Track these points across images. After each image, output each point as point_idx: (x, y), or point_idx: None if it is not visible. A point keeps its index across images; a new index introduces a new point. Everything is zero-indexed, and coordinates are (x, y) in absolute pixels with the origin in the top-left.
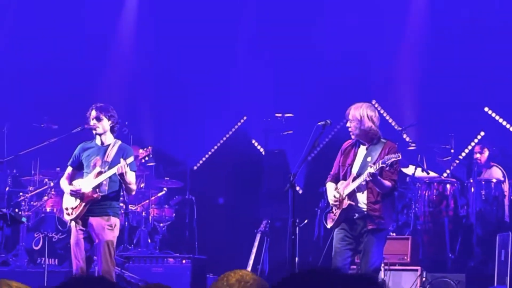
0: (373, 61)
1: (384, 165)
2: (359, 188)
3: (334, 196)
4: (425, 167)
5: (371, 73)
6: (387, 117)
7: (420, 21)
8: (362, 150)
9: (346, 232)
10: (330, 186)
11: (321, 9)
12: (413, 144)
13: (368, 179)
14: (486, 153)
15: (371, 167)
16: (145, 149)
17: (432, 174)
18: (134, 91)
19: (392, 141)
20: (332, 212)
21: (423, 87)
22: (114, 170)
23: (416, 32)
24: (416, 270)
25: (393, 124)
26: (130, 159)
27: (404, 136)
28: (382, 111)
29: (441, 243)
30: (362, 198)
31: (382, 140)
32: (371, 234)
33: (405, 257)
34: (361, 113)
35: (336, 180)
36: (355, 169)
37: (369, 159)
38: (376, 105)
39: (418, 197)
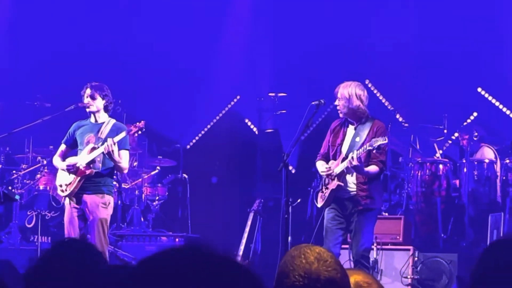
0: (367, 41)
1: (371, 147)
2: (348, 170)
3: (325, 168)
4: (418, 147)
5: (365, 53)
6: (380, 97)
7: (413, 2)
8: (350, 130)
9: (336, 211)
10: (320, 164)
11: None
12: (406, 124)
13: (349, 165)
14: (466, 138)
15: (353, 155)
16: (137, 123)
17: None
18: (127, 71)
19: (380, 120)
20: (322, 192)
21: (416, 67)
22: (102, 149)
23: (409, 13)
24: (409, 249)
25: (386, 104)
26: (119, 136)
27: (397, 116)
28: (375, 91)
29: (433, 223)
30: (351, 179)
31: (371, 119)
32: (361, 214)
33: (398, 237)
34: (349, 92)
35: (325, 159)
36: (344, 149)
37: (357, 139)
38: (370, 85)
39: (410, 177)
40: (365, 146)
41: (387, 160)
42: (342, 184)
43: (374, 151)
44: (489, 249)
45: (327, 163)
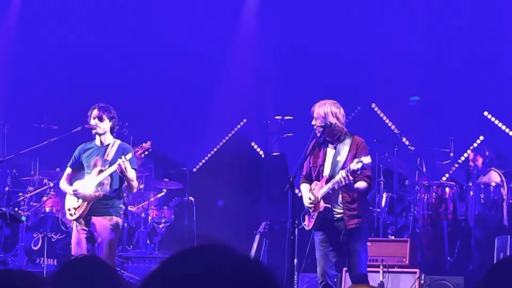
0: (373, 64)
1: (355, 168)
2: (334, 190)
3: (309, 199)
4: (424, 170)
5: (371, 77)
6: (387, 121)
7: (420, 24)
8: (330, 149)
9: (325, 234)
10: (304, 188)
11: (321, 11)
12: (412, 147)
13: (339, 185)
14: (480, 160)
15: (342, 176)
16: (143, 144)
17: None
18: (135, 93)
19: (360, 136)
20: (309, 214)
21: (422, 91)
22: (114, 167)
23: (416, 35)
24: (415, 272)
25: (392, 127)
26: (129, 155)
27: (404, 139)
28: (381, 115)
29: (440, 246)
30: (337, 200)
31: (350, 135)
32: (352, 234)
33: (404, 259)
34: (325, 110)
35: (309, 180)
36: (326, 170)
37: (339, 158)
38: (376, 109)
39: (417, 200)
40: (348, 167)
41: (393, 183)
42: (329, 205)
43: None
44: (493, 270)
45: (310, 184)
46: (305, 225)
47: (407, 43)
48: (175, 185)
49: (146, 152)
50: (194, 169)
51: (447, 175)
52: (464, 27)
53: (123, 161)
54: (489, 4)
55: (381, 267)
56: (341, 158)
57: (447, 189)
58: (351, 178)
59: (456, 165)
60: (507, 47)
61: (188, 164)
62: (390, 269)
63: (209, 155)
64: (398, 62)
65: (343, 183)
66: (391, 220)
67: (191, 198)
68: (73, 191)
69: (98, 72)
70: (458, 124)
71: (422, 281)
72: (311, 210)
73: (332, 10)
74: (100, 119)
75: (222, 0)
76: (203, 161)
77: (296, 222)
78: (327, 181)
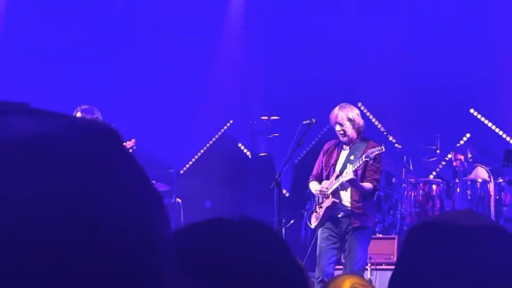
0: (359, 63)
1: (367, 159)
2: (343, 186)
3: (319, 187)
4: (411, 168)
5: (357, 76)
6: (373, 119)
7: (406, 22)
8: (345, 150)
9: (330, 231)
10: (313, 184)
11: (308, 11)
12: (399, 146)
13: (344, 179)
14: (462, 157)
15: (347, 170)
16: (127, 142)
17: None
18: (119, 94)
19: (374, 141)
20: (316, 211)
21: (408, 88)
22: None
23: (401, 32)
24: None
25: (379, 126)
26: None
27: (390, 138)
28: (368, 114)
29: None
30: (346, 196)
31: (366, 139)
32: (355, 232)
33: (392, 257)
34: (353, 114)
35: (318, 180)
36: (338, 168)
37: (352, 157)
38: (362, 108)
39: (404, 198)
40: (362, 157)
41: (381, 181)
42: (337, 200)
43: (369, 169)
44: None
45: (320, 184)
46: (311, 223)
47: (392, 40)
48: (161, 186)
49: (130, 150)
50: (181, 171)
51: (434, 173)
52: (451, 24)
53: None
54: (476, 1)
55: (369, 264)
56: (354, 158)
57: (434, 186)
58: (352, 176)
59: (443, 163)
60: (494, 44)
61: (175, 165)
62: (378, 267)
63: (196, 156)
64: (384, 60)
65: (348, 178)
66: (379, 218)
67: (178, 199)
68: None
69: (82, 73)
70: (444, 122)
71: None
72: (318, 208)
73: (316, 9)
74: None
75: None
76: (190, 163)
77: (283, 221)
78: (337, 177)
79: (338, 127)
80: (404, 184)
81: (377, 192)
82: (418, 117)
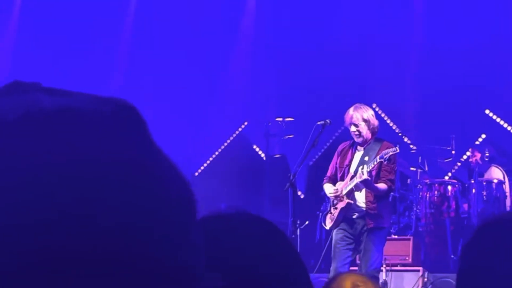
0: (374, 64)
1: (382, 159)
2: (357, 187)
3: (333, 189)
4: (426, 169)
5: (372, 77)
6: (388, 121)
7: (421, 22)
8: (359, 151)
9: (345, 232)
10: (327, 186)
11: (322, 13)
12: (414, 148)
13: (359, 179)
14: (478, 156)
15: (363, 170)
16: None
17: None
18: (134, 95)
19: (388, 142)
20: (331, 213)
21: (423, 89)
22: None
23: (416, 34)
24: (418, 270)
25: (394, 127)
26: None
27: (405, 139)
28: (382, 115)
29: (443, 244)
30: (360, 197)
31: (379, 140)
32: (371, 233)
33: (407, 258)
34: (368, 114)
35: (332, 182)
36: (352, 169)
37: (366, 158)
38: (377, 109)
39: (419, 199)
40: (376, 158)
41: (396, 182)
42: (352, 201)
43: (383, 170)
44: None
45: (334, 185)
46: (325, 225)
47: (407, 41)
48: None
49: None
50: (196, 173)
51: (449, 174)
52: (466, 24)
53: None
54: (488, 2)
55: (384, 265)
56: (369, 158)
57: (449, 187)
58: (366, 176)
59: (459, 164)
60: (509, 45)
61: (190, 168)
62: (393, 268)
63: (211, 158)
64: (398, 61)
65: (362, 178)
66: (394, 220)
67: None
68: None
69: (97, 76)
70: (460, 123)
71: (426, 279)
72: (333, 209)
73: (331, 10)
74: None
75: (222, 0)
76: (205, 164)
77: (298, 222)
78: (351, 178)
79: (353, 128)
80: (419, 185)
81: (392, 193)
82: (433, 118)
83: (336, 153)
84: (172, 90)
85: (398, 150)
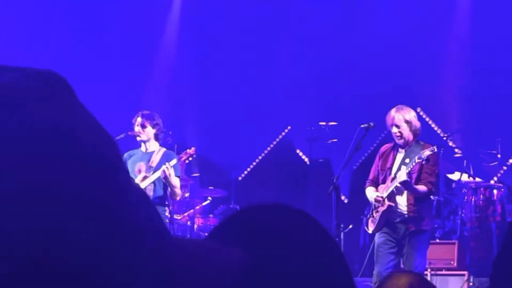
0: (418, 68)
1: (420, 160)
2: (399, 190)
3: (376, 196)
4: (471, 173)
5: (416, 81)
6: (432, 125)
7: (465, 26)
8: (400, 153)
9: (388, 235)
10: (370, 190)
11: (365, 17)
12: (459, 152)
13: (398, 182)
14: None
15: (401, 173)
16: (187, 150)
17: (478, 179)
18: (179, 101)
19: (430, 144)
20: (373, 216)
21: (468, 93)
22: (158, 174)
23: (461, 37)
24: (463, 275)
25: (438, 131)
26: (173, 161)
27: (450, 143)
28: (427, 119)
29: (488, 249)
30: (402, 201)
31: (421, 141)
32: (413, 236)
33: (452, 262)
34: (410, 116)
35: (375, 185)
36: (394, 171)
37: (407, 160)
38: (421, 113)
39: (464, 203)
40: (414, 159)
41: (440, 186)
42: (393, 204)
43: (424, 172)
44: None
45: (377, 188)
46: (368, 229)
47: (452, 45)
48: (220, 192)
49: (190, 158)
50: (240, 177)
51: (495, 178)
52: (510, 25)
53: (167, 167)
54: None
55: (428, 270)
56: (410, 161)
57: (495, 191)
58: (405, 177)
59: (505, 168)
60: None
61: (233, 172)
62: (438, 272)
63: (254, 162)
64: (443, 65)
65: (401, 179)
66: (439, 224)
67: (236, 206)
68: None
69: (142, 80)
70: (505, 126)
71: (471, 284)
72: (375, 212)
73: (377, 14)
74: (143, 126)
75: (270, 5)
76: (249, 169)
77: (342, 225)
78: (392, 180)
79: (394, 129)
80: (464, 189)
81: (437, 197)
82: (478, 122)
83: (377, 155)
84: (217, 95)
85: (436, 150)
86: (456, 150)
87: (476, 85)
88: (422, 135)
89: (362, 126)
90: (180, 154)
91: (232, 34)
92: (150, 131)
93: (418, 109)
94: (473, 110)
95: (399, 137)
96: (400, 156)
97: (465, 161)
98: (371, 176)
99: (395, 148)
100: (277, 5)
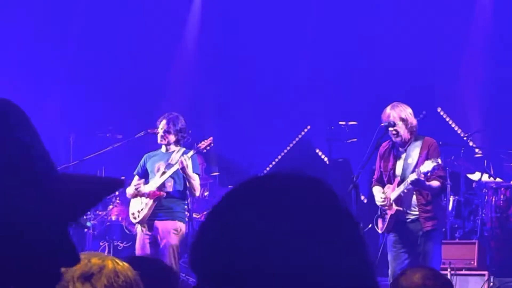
0: (438, 68)
1: (423, 175)
2: (409, 191)
3: (381, 198)
4: (492, 173)
5: (436, 81)
6: (453, 125)
7: (485, 25)
8: (401, 152)
9: (399, 236)
10: (376, 189)
11: (384, 18)
12: (480, 152)
13: (409, 187)
14: None
15: (413, 173)
16: (205, 140)
17: (498, 180)
18: (198, 101)
19: (431, 137)
20: (382, 218)
21: (488, 92)
22: (176, 166)
23: (481, 36)
24: (483, 275)
25: (458, 131)
26: (191, 153)
27: (470, 143)
28: (447, 119)
29: (509, 249)
30: (412, 201)
31: (420, 137)
32: (426, 236)
33: (472, 262)
34: (406, 113)
35: (381, 184)
36: (398, 172)
37: (410, 160)
38: (442, 113)
39: (485, 203)
40: (418, 170)
41: (460, 186)
42: (401, 208)
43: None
44: None
45: (383, 187)
46: (378, 228)
47: (471, 45)
48: None
49: (208, 147)
50: None
51: None
52: None
53: (184, 158)
54: None
55: (448, 269)
56: (412, 161)
57: None
58: (422, 177)
59: None
60: None
61: (252, 171)
62: (458, 272)
63: (273, 162)
64: (462, 65)
65: (416, 179)
66: (459, 224)
67: None
68: (135, 186)
69: (162, 80)
70: None
71: (491, 284)
72: (385, 209)
73: (397, 14)
74: (167, 132)
75: (289, 4)
76: (268, 168)
77: (361, 224)
78: (398, 184)
79: (390, 127)
80: (484, 189)
81: (457, 197)
82: (498, 121)
83: (378, 155)
84: (236, 95)
85: (440, 163)
86: (477, 150)
87: (497, 84)
88: (443, 136)
89: (382, 124)
90: (201, 158)
91: (251, 33)
92: (172, 137)
93: (439, 109)
94: (493, 110)
95: (395, 135)
96: (402, 157)
97: (485, 161)
98: (376, 176)
99: (395, 147)
100: (298, 3)
